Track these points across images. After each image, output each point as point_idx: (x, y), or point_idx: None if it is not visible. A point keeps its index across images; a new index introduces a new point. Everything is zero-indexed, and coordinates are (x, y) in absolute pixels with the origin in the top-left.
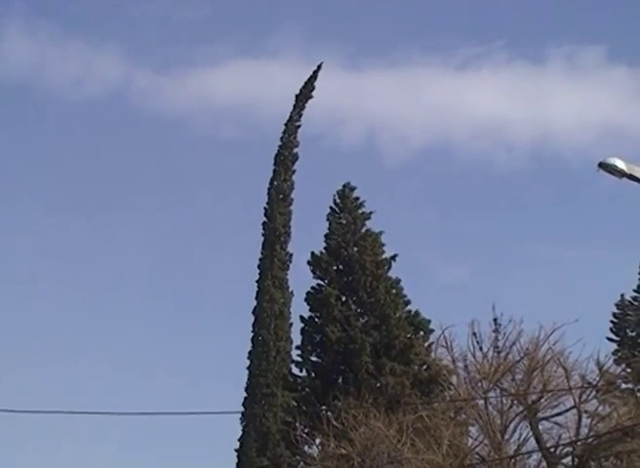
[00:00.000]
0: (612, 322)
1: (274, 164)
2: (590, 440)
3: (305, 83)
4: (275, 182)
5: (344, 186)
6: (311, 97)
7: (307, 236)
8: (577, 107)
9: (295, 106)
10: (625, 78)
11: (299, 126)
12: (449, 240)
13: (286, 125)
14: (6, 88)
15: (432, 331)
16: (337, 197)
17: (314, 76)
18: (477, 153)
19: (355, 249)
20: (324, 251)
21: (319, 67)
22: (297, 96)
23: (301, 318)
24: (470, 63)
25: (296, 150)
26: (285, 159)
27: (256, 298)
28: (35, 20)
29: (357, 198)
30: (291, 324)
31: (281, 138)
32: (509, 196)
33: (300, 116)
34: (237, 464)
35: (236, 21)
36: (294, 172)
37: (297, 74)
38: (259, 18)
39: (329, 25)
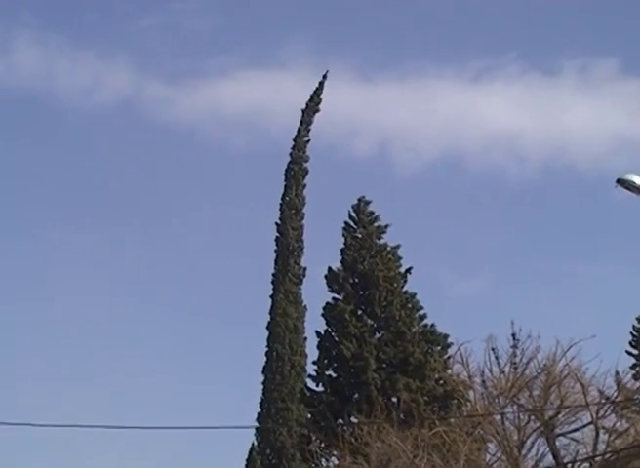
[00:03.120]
0: (632, 335)
1: (285, 179)
2: (608, 456)
3: (311, 96)
4: (287, 197)
5: (359, 200)
6: (318, 110)
7: (321, 249)
8: (590, 119)
9: (302, 121)
10: (639, 90)
11: (308, 140)
12: (461, 253)
13: (294, 140)
14: (16, 98)
15: (450, 345)
16: (352, 211)
17: (320, 88)
18: (490, 165)
19: (370, 263)
20: (340, 265)
21: (324, 77)
22: (303, 110)
23: (317, 333)
24: (483, 75)
25: (306, 165)
26: (295, 174)
27: (270, 313)
28: (44, 32)
29: (372, 212)
30: (305, 338)
31: (290, 154)
32: (523, 208)
33: (309, 131)
34: None
35: (246, 32)
36: (304, 186)
37: (307, 85)
38: (269, 28)
39: (340, 36)
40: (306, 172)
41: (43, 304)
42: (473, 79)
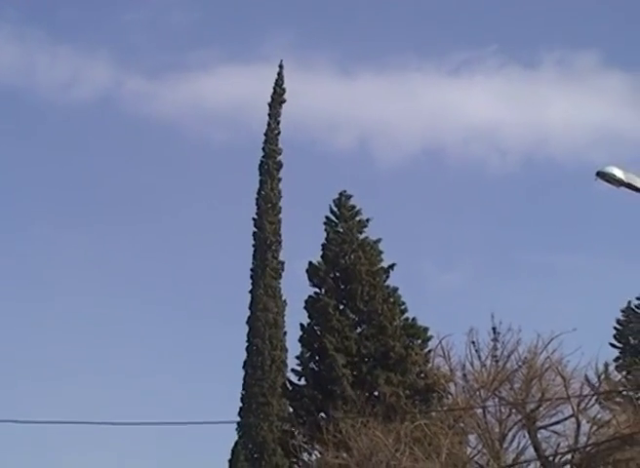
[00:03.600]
0: (615, 328)
1: (259, 174)
2: (589, 448)
3: (274, 88)
4: (262, 192)
5: (341, 194)
6: (284, 100)
7: (299, 243)
8: (570, 111)
9: (270, 114)
10: (619, 82)
11: (278, 133)
12: (443, 246)
13: (265, 134)
14: None
15: (430, 338)
16: (333, 205)
17: (280, 78)
18: (470, 158)
19: (352, 258)
20: (321, 259)
21: (281, 67)
22: (269, 103)
23: (301, 326)
24: (463, 68)
25: (279, 158)
26: (269, 168)
27: (249, 308)
28: (24, 27)
29: (354, 206)
30: (285, 332)
31: (263, 148)
32: (503, 201)
33: (278, 123)
34: None
35: (227, 26)
36: (279, 179)
37: (288, 79)
38: (249, 22)
39: (320, 30)
40: (280, 165)
41: (38, 304)
42: (453, 72)
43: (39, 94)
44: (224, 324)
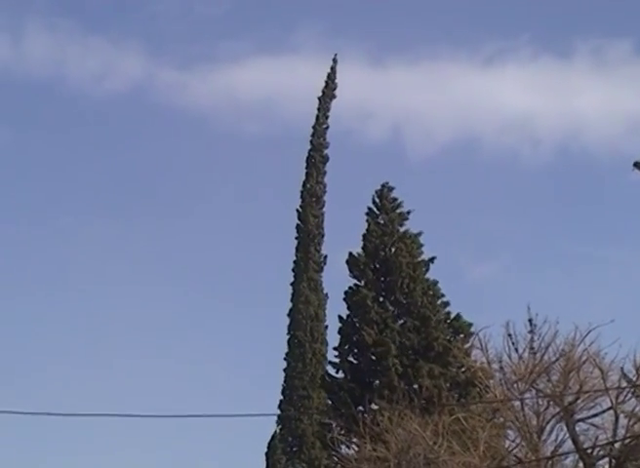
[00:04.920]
0: None
1: (306, 167)
2: (627, 441)
3: (326, 82)
4: (308, 185)
5: (383, 186)
6: (334, 96)
7: (339, 236)
8: (604, 101)
9: (319, 108)
10: None
11: (326, 127)
12: (477, 237)
13: (314, 127)
14: (28, 86)
15: (473, 333)
16: (375, 197)
17: (333, 73)
18: (504, 149)
19: (392, 250)
20: (362, 251)
21: (335, 61)
22: (319, 97)
23: (340, 318)
24: (496, 58)
25: (326, 152)
26: (316, 161)
27: (291, 301)
28: (54, 18)
29: (395, 198)
30: (326, 326)
31: (310, 141)
32: (538, 191)
33: (327, 117)
34: (267, 466)
35: (257, 17)
36: (325, 173)
37: (319, 70)
38: (279, 13)
39: (351, 21)
40: (327, 159)
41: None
42: (486, 62)
43: (71, 86)
44: (266, 316)
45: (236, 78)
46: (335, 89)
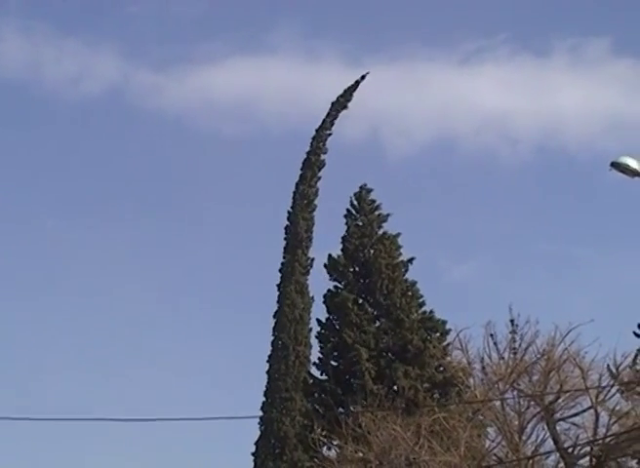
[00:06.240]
0: None
1: (301, 169)
2: (608, 439)
3: (345, 91)
4: (301, 187)
5: (361, 188)
6: (346, 107)
7: (326, 239)
8: (582, 100)
9: (329, 114)
10: (631, 70)
11: (329, 134)
12: (457, 237)
13: (317, 131)
14: (2, 88)
15: (449, 331)
16: (353, 199)
17: (355, 86)
18: (482, 148)
19: (372, 251)
20: (341, 253)
21: (363, 78)
22: (333, 103)
23: (318, 321)
24: (473, 57)
25: (323, 157)
26: (312, 165)
27: (277, 302)
28: (30, 21)
29: (374, 200)
30: (310, 329)
31: (311, 144)
32: (515, 190)
33: (333, 124)
34: (254, 466)
35: (234, 18)
36: (319, 178)
37: (296, 70)
38: (257, 14)
39: (329, 21)
40: (323, 164)
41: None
42: (464, 61)
43: (47, 88)
44: (250, 317)
45: (213, 79)
46: (349, 100)
